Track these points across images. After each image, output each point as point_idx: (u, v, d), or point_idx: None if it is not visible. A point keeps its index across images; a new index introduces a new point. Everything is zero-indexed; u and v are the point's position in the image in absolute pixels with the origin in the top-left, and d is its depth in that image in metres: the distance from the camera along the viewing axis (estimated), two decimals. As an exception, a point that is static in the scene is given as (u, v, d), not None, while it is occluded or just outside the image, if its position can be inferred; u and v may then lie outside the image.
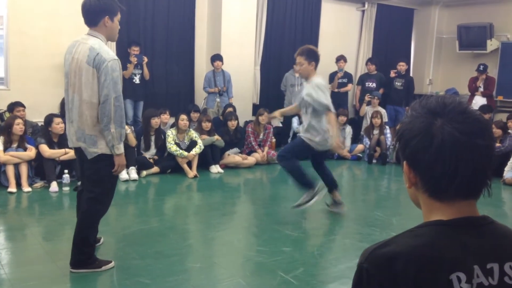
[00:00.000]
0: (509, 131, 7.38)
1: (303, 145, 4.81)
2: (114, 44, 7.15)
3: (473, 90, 9.16)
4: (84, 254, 3.41)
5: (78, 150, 3.43)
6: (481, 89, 9.09)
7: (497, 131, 7.18)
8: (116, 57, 3.23)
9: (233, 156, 7.30)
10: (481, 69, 9.01)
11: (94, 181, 3.36)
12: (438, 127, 0.98)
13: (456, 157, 0.97)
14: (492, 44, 9.89)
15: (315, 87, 4.67)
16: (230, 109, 7.71)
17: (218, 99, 8.04)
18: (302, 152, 4.91)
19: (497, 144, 7.16)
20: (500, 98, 9.87)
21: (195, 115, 7.48)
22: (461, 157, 0.97)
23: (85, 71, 3.17)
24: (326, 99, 4.69)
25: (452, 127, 0.98)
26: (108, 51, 3.22)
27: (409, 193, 1.10)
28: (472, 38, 10.10)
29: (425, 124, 1.00)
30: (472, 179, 0.99)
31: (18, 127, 5.60)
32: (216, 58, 7.95)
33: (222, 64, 7.98)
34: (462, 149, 0.97)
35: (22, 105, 6.36)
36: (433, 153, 0.98)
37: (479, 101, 8.91)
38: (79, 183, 4.34)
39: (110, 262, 3.53)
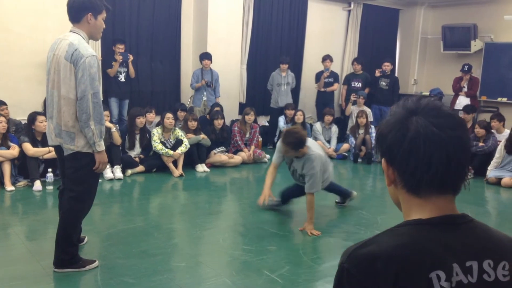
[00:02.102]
0: (492, 130, 7.48)
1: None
2: (99, 41, 7.10)
3: (457, 90, 9.26)
4: (67, 253, 3.38)
5: (58, 149, 3.41)
6: (465, 89, 9.19)
7: (480, 131, 7.28)
8: (94, 53, 3.22)
9: (219, 155, 7.29)
10: (466, 69, 9.11)
11: (75, 180, 3.33)
12: (413, 121, 1.02)
13: (429, 148, 0.99)
14: (476, 45, 10.02)
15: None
16: (217, 108, 7.70)
17: (204, 98, 8.01)
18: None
19: (480, 144, 7.26)
20: (483, 98, 10.00)
21: (181, 114, 7.45)
22: (435, 148, 0.99)
23: (63, 66, 3.16)
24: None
25: (426, 121, 1.01)
26: (87, 47, 3.20)
27: (389, 191, 1.12)
28: (456, 38, 10.22)
29: (400, 119, 1.04)
30: (447, 171, 1.01)
31: (0, 125, 5.52)
32: (205, 56, 7.92)
33: (211, 62, 7.95)
34: (435, 141, 0.99)
35: (5, 104, 6.28)
36: (407, 145, 1.01)
37: (463, 101, 9.01)
38: (63, 182, 4.30)
39: (94, 261, 3.51)
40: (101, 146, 3.28)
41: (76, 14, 3.25)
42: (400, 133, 1.02)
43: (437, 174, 1.00)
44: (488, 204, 6.15)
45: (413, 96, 1.12)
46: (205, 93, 8.00)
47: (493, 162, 6.94)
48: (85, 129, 3.19)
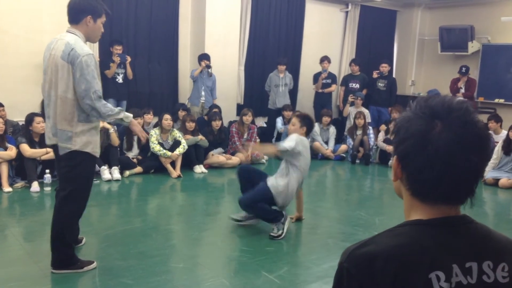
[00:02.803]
0: (490, 132, 7.50)
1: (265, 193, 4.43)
2: (96, 43, 7.07)
3: (454, 91, 9.29)
4: (64, 254, 3.37)
5: (55, 148, 3.41)
6: (462, 91, 9.22)
7: (477, 132, 7.28)
8: (91, 52, 3.23)
9: (217, 156, 7.29)
10: (463, 71, 9.14)
11: (68, 179, 3.33)
12: (435, 133, 0.97)
13: (446, 167, 0.97)
14: (473, 46, 10.04)
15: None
16: (215, 109, 7.70)
17: (202, 100, 7.98)
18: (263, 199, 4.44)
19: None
20: (481, 99, 10.02)
21: (182, 113, 7.44)
22: (451, 168, 0.97)
23: (60, 66, 3.17)
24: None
25: (449, 137, 0.97)
26: (83, 46, 3.21)
27: (394, 185, 1.11)
28: (453, 40, 10.24)
29: (423, 127, 0.98)
30: (457, 189, 1.00)
31: (-2, 127, 5.52)
32: (204, 57, 7.90)
33: (210, 63, 7.92)
34: (454, 161, 0.97)
35: (2, 105, 6.27)
36: (424, 159, 0.98)
37: (460, 102, 9.03)
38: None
39: (92, 262, 3.50)
40: (128, 117, 3.41)
41: (75, 15, 3.27)
42: (419, 145, 0.98)
43: (445, 192, 1.00)
44: (486, 205, 6.16)
45: (440, 95, 1.05)
46: (203, 94, 7.98)
47: (491, 163, 6.96)
48: (107, 118, 3.31)
